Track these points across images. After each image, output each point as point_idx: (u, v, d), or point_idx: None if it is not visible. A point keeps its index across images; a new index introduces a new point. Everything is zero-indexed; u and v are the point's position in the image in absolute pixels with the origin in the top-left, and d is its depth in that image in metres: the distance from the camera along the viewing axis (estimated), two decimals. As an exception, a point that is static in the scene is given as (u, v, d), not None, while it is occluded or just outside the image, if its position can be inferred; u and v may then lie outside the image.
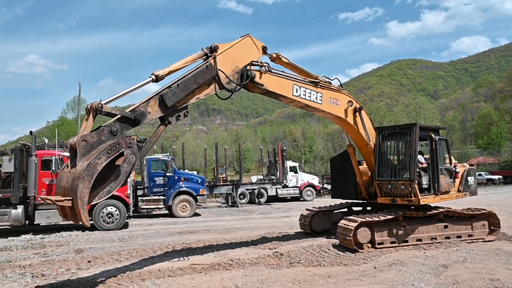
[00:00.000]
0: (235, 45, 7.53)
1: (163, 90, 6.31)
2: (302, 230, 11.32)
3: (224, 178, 26.44)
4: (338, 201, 11.68)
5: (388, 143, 9.94)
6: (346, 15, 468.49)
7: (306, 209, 11.44)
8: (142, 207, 17.72)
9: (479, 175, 42.37)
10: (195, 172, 28.39)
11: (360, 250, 8.38)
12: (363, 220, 8.56)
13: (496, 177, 45.68)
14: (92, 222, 13.20)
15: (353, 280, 6.40)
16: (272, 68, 8.16)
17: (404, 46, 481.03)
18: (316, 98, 8.85)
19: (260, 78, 7.83)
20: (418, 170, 9.16)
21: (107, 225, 13.59)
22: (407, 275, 6.58)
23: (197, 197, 18.26)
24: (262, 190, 25.69)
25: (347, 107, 9.46)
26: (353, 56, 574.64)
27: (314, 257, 8.03)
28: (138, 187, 17.90)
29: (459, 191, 10.06)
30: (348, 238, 8.40)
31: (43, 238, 11.98)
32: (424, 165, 9.55)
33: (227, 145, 48.78)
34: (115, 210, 13.75)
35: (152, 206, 17.93)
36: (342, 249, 8.65)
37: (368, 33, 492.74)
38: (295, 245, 9.32)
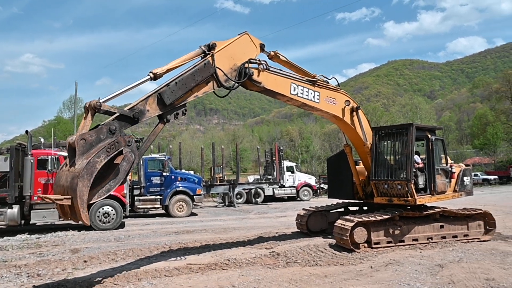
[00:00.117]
0: (232, 42, 7.52)
1: (161, 88, 6.30)
2: (299, 230, 11.33)
3: (221, 178, 26.39)
4: (335, 201, 11.70)
5: (385, 143, 9.97)
6: (343, 15, 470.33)
7: (303, 209, 11.45)
8: (138, 206, 17.67)
9: (475, 175, 42.59)
10: (192, 172, 28.30)
11: (356, 250, 8.40)
12: (360, 220, 8.57)
13: (491, 177, 45.92)
14: (88, 221, 13.12)
15: (350, 279, 6.41)
16: (270, 66, 8.15)
17: (400, 47, 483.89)
18: (313, 97, 8.85)
19: (258, 76, 7.82)
20: (414, 170, 9.18)
21: (104, 224, 13.54)
22: (403, 274, 6.60)
23: (194, 196, 18.25)
24: (259, 190, 25.72)
25: (344, 107, 9.47)
26: (350, 56, 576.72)
27: (310, 257, 8.04)
28: (135, 186, 17.85)
29: (455, 191, 10.11)
30: (345, 238, 8.42)
31: (39, 237, 11.92)
32: (421, 165, 9.59)
33: (224, 144, 48.68)
34: (112, 210, 13.71)
35: (148, 206, 17.88)
36: (338, 249, 8.66)
37: (365, 33, 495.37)
38: (291, 245, 9.32)
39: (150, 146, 22.20)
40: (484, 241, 9.47)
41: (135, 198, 17.59)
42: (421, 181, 9.50)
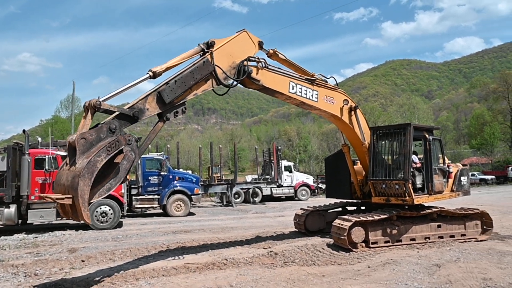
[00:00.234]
0: (231, 40, 7.51)
1: (160, 86, 6.29)
2: (297, 230, 11.33)
3: (219, 178, 26.40)
4: (333, 200, 11.72)
5: (383, 143, 9.98)
6: (341, 15, 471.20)
7: (301, 209, 11.46)
8: (136, 206, 17.63)
9: (472, 175, 42.76)
10: (189, 171, 28.29)
11: (354, 250, 8.42)
12: (357, 219, 8.59)
13: (489, 177, 46.06)
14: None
15: (347, 279, 6.42)
16: (269, 65, 8.16)
17: (398, 47, 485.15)
18: (312, 95, 8.86)
19: (257, 74, 7.82)
20: (412, 170, 9.21)
21: (101, 224, 13.50)
22: (401, 274, 6.62)
23: (192, 196, 18.22)
24: (256, 189, 25.71)
25: (343, 106, 9.48)
26: (348, 56, 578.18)
27: (308, 257, 8.05)
28: (133, 186, 17.80)
29: (452, 191, 10.14)
30: (343, 237, 8.43)
31: (36, 237, 11.88)
32: (418, 165, 9.60)
33: (222, 144, 48.75)
34: (109, 209, 13.68)
35: (146, 205, 17.85)
36: (336, 249, 8.68)
37: (362, 33, 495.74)
38: (289, 245, 9.33)
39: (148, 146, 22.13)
40: (481, 240, 9.50)
41: (133, 197, 17.54)
42: (418, 181, 9.51)
